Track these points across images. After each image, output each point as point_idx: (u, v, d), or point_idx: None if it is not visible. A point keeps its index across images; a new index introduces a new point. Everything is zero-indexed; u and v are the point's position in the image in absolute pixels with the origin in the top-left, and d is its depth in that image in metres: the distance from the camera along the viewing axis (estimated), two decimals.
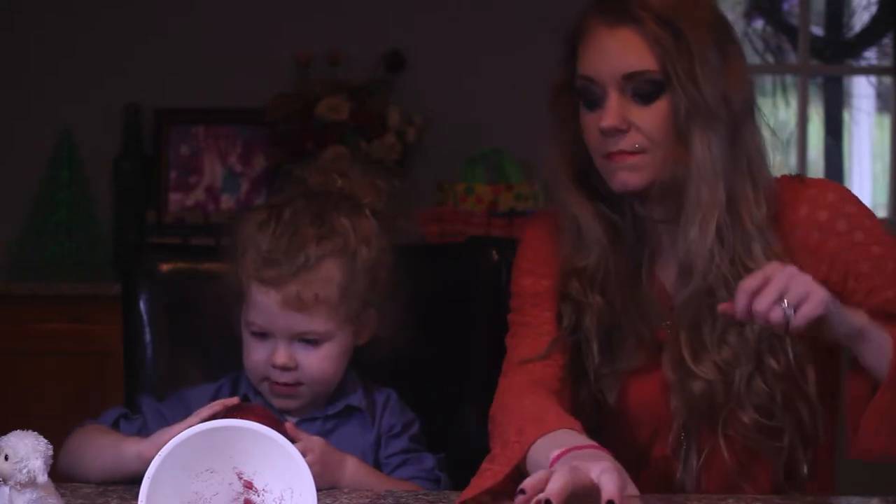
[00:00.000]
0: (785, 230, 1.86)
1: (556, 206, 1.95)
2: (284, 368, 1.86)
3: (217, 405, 1.77)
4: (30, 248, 4.31)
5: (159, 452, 1.48)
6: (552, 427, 1.73)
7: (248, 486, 1.53)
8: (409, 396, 2.01)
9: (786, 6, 5.15)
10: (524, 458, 1.71)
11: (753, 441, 1.83)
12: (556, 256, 1.94)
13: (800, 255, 1.84)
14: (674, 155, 1.82)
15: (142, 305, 2.13)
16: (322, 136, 4.14)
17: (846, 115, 5.29)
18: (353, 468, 1.83)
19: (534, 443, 1.71)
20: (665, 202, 1.87)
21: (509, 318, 1.98)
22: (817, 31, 5.15)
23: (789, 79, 5.10)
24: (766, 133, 1.89)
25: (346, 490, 1.79)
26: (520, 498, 1.56)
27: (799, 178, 1.92)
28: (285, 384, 1.88)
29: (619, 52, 1.82)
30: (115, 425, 1.89)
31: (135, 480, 1.75)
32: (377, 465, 1.90)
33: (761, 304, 1.66)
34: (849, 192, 1.91)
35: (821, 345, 1.84)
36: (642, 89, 1.81)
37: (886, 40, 4.96)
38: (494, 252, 2.20)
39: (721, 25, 1.86)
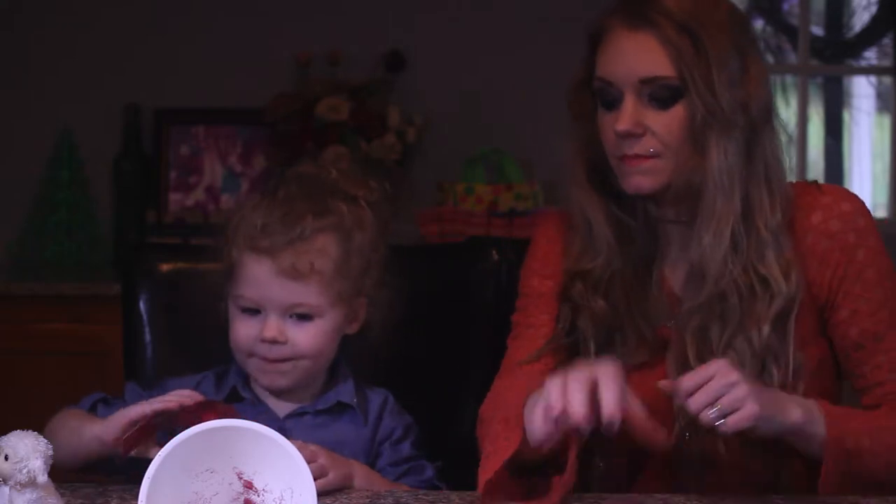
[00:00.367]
0: (797, 235, 1.87)
1: (568, 204, 1.95)
2: (273, 342, 1.85)
3: (172, 401, 1.75)
4: (30, 248, 4.31)
5: (159, 452, 1.48)
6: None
7: (248, 486, 1.53)
8: (409, 396, 2.00)
9: (786, 6, 5.15)
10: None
11: (752, 444, 1.83)
12: (564, 256, 1.94)
13: (808, 261, 1.85)
14: (689, 161, 1.82)
15: (142, 305, 2.13)
16: (322, 136, 4.14)
17: (846, 115, 5.29)
18: (361, 473, 1.84)
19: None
20: (679, 205, 1.87)
21: (513, 318, 1.98)
22: (817, 31, 5.15)
23: (789, 79, 5.10)
24: (782, 137, 1.89)
25: (345, 490, 1.79)
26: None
27: (816, 185, 1.92)
28: (274, 360, 1.86)
29: (637, 56, 1.81)
30: (94, 409, 1.89)
31: (105, 468, 1.81)
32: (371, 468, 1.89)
33: (694, 405, 1.67)
34: (863, 204, 1.91)
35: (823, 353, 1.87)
36: (659, 94, 1.81)
37: (886, 40, 4.96)
38: (494, 252, 2.20)
39: (741, 30, 1.85)
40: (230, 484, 1.53)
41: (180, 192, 4.32)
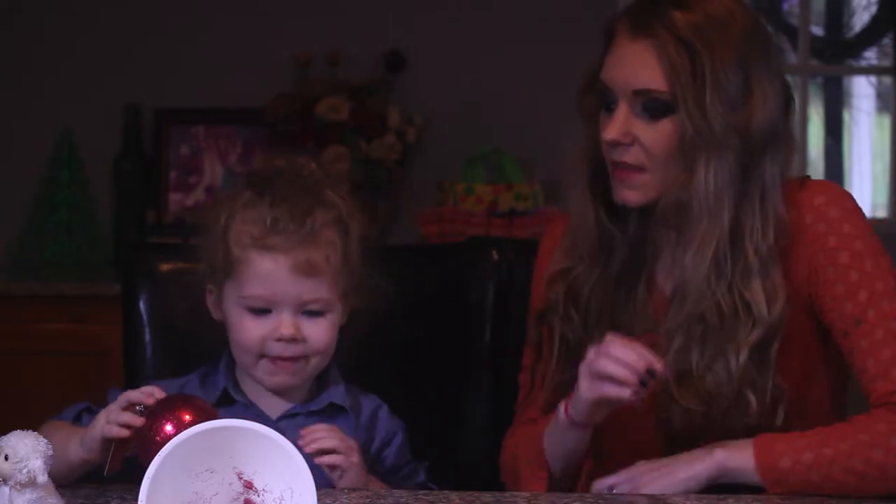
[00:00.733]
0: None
1: (568, 204, 1.95)
2: (291, 341, 1.83)
3: (134, 396, 1.73)
4: (30, 248, 4.31)
5: (159, 452, 1.48)
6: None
7: (248, 486, 1.53)
8: (409, 396, 2.01)
9: (786, 6, 5.15)
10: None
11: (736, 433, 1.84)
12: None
13: (786, 260, 1.83)
14: (678, 177, 1.81)
15: (142, 305, 2.13)
16: (322, 136, 4.15)
17: (846, 115, 5.29)
18: (373, 478, 1.84)
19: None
20: (671, 218, 1.85)
21: (525, 347, 2.00)
22: (817, 31, 5.15)
23: (789, 79, 5.10)
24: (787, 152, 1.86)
25: (345, 490, 1.79)
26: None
27: (800, 181, 1.89)
28: (289, 358, 1.85)
29: (634, 66, 1.81)
30: (78, 419, 1.87)
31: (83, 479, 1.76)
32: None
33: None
34: (841, 195, 1.88)
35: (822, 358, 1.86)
36: (650, 106, 1.80)
37: (886, 40, 4.96)
38: (494, 252, 2.20)
39: (754, 48, 1.82)
40: (230, 484, 1.53)
41: (180, 192, 4.32)
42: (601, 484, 1.80)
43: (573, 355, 1.89)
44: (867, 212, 5.35)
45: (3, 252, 4.32)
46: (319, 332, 1.85)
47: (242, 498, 1.53)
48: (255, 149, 4.29)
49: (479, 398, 2.17)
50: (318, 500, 1.50)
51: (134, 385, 2.08)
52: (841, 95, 5.28)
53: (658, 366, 1.73)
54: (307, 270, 1.82)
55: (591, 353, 1.77)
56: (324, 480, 1.82)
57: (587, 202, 1.90)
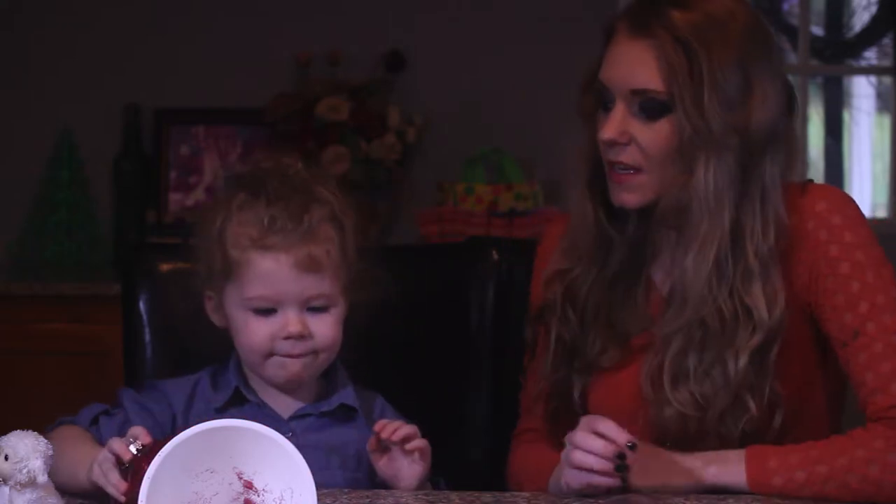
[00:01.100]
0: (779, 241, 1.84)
1: (568, 204, 1.95)
2: (299, 337, 1.83)
3: (116, 448, 1.66)
4: (30, 248, 4.31)
5: (159, 452, 1.48)
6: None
7: (248, 486, 1.53)
8: (408, 396, 2.00)
9: (786, 6, 5.15)
10: None
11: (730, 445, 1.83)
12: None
13: (786, 265, 1.82)
14: (677, 178, 1.79)
15: (142, 305, 2.13)
16: (322, 136, 4.15)
17: (846, 115, 5.29)
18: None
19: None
20: (671, 219, 1.83)
21: (526, 338, 2.00)
22: (817, 31, 5.15)
23: (789, 79, 5.10)
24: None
25: (345, 490, 1.79)
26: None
27: (802, 186, 1.87)
28: (298, 355, 1.84)
29: (631, 66, 1.80)
30: (95, 421, 1.87)
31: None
32: (372, 472, 1.89)
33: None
34: (843, 201, 1.86)
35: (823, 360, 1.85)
36: (647, 106, 1.79)
37: (886, 40, 4.96)
38: (494, 252, 2.20)
39: (755, 49, 1.81)
40: (230, 484, 1.53)
41: (180, 192, 4.32)
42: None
43: (569, 355, 1.89)
44: (867, 212, 5.35)
45: (3, 252, 4.32)
46: (325, 328, 1.85)
47: (242, 498, 1.53)
48: (255, 149, 4.28)
49: (479, 398, 2.17)
50: (318, 500, 1.50)
51: (134, 384, 2.09)
52: (841, 95, 5.28)
53: (626, 446, 1.71)
54: (309, 266, 1.82)
55: (568, 443, 1.75)
56: (364, 481, 1.85)
57: (586, 202, 1.89)
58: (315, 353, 1.85)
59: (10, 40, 4.33)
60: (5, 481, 1.49)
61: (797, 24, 4.89)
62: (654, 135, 1.79)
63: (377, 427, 1.82)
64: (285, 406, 1.90)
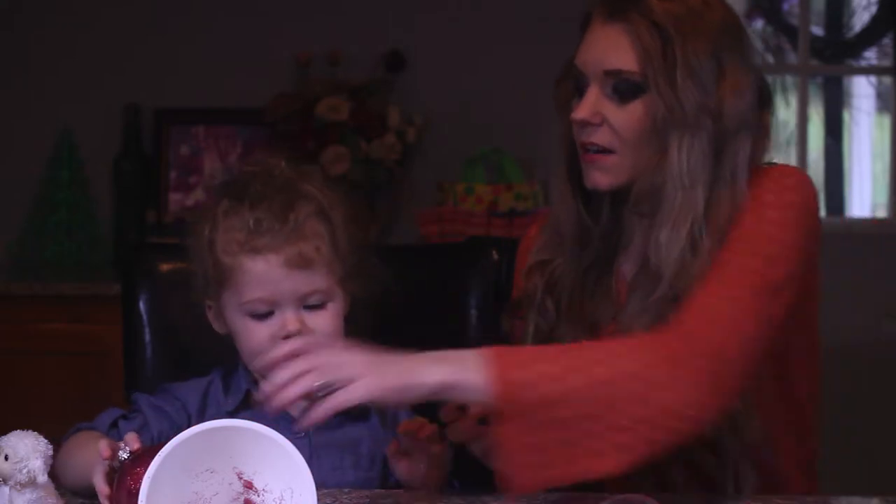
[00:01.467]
0: None
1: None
2: (299, 336, 1.81)
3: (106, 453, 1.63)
4: (30, 248, 4.31)
5: (159, 452, 1.48)
6: None
7: (248, 486, 1.53)
8: None
9: (786, 6, 5.15)
10: None
11: (689, 453, 1.80)
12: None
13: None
14: (650, 160, 1.80)
15: (142, 305, 2.13)
16: (322, 136, 4.15)
17: (846, 115, 5.29)
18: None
19: None
20: (644, 203, 1.84)
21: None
22: (817, 31, 5.15)
23: (789, 79, 5.10)
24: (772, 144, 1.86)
25: (346, 490, 1.79)
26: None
27: (763, 169, 1.86)
28: None
29: (606, 47, 1.82)
30: (115, 426, 1.87)
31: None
32: (387, 472, 1.88)
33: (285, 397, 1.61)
34: (785, 181, 1.83)
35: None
36: (621, 88, 1.81)
37: (886, 40, 4.96)
38: (494, 252, 2.20)
39: (730, 39, 1.82)
40: (230, 484, 1.53)
41: (180, 192, 4.32)
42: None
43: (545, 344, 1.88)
44: (867, 212, 5.34)
45: (3, 252, 4.32)
46: (324, 323, 1.85)
47: (242, 498, 1.53)
48: (255, 149, 4.29)
49: None
50: (318, 500, 1.50)
51: (135, 386, 2.09)
52: (841, 95, 5.28)
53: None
54: (300, 264, 1.83)
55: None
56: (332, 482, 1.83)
57: (565, 198, 1.90)
58: None
59: (10, 40, 4.33)
60: (5, 481, 1.49)
61: (797, 24, 4.89)
62: (626, 116, 1.81)
63: (400, 429, 1.81)
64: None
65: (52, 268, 4.25)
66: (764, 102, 1.86)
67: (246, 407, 1.88)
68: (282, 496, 1.52)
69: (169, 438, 1.62)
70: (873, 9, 5.09)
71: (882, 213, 5.18)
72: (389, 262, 1.94)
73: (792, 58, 5.04)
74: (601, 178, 1.84)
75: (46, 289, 3.90)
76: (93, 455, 1.69)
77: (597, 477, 1.66)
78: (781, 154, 5.07)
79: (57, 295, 3.86)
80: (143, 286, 2.13)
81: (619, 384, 1.65)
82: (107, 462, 1.61)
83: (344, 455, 1.88)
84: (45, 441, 1.50)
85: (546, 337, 1.90)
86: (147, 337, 2.12)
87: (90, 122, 4.32)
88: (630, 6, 1.81)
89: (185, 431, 1.49)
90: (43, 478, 1.49)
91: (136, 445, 1.63)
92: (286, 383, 1.62)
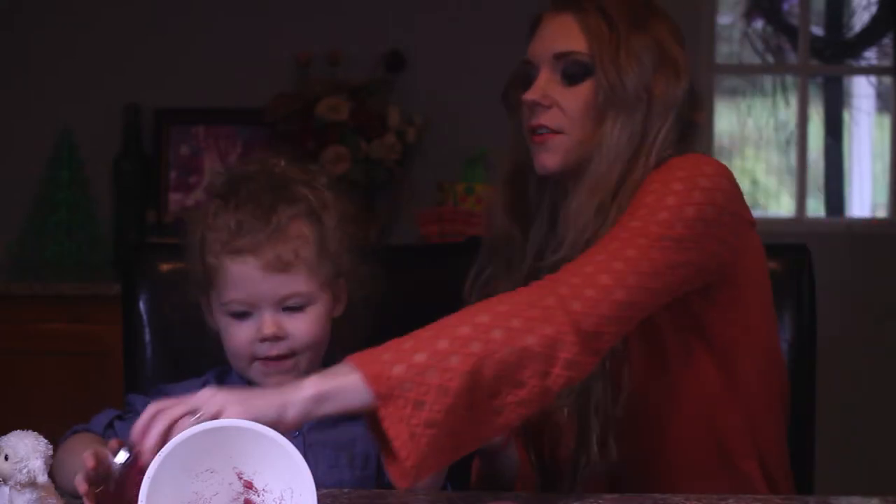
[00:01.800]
0: None
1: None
2: (275, 339, 1.84)
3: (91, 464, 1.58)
4: (30, 248, 4.31)
5: (159, 452, 1.48)
6: None
7: (248, 486, 1.53)
8: None
9: (786, 6, 5.15)
10: None
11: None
12: None
13: None
14: (590, 138, 1.87)
15: (142, 305, 2.13)
16: (322, 136, 4.15)
17: (846, 115, 5.28)
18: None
19: None
20: (568, 177, 1.89)
21: None
22: (817, 31, 5.14)
23: (789, 79, 5.10)
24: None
25: (345, 490, 1.79)
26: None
27: (688, 155, 1.89)
28: (277, 357, 1.85)
29: (556, 33, 1.90)
30: (110, 426, 1.87)
31: None
32: (381, 472, 1.88)
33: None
34: (703, 167, 1.84)
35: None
36: (571, 70, 1.88)
37: (886, 40, 4.95)
38: None
39: (671, 37, 1.91)
40: (230, 484, 1.53)
41: (180, 192, 4.32)
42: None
43: None
44: (866, 212, 5.34)
45: (3, 252, 4.32)
46: (302, 327, 1.86)
47: (242, 498, 1.53)
48: (255, 149, 4.29)
49: None
50: (318, 500, 1.50)
51: (135, 386, 2.09)
52: (841, 95, 5.28)
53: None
54: (278, 267, 1.83)
55: None
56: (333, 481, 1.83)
57: (503, 210, 1.96)
58: (294, 353, 1.86)
59: (10, 40, 4.33)
60: (5, 481, 1.49)
61: (797, 24, 4.89)
62: (574, 97, 1.88)
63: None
64: None
65: (52, 268, 4.25)
66: (695, 103, 1.93)
67: None
68: (282, 496, 1.52)
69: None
70: (873, 9, 5.09)
71: (882, 213, 5.18)
72: (389, 262, 1.94)
73: (792, 58, 5.04)
74: (549, 158, 1.89)
75: (46, 289, 3.90)
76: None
77: (499, 433, 1.66)
78: (782, 154, 5.07)
79: (57, 295, 3.86)
80: (143, 286, 2.13)
81: (483, 337, 1.62)
82: (91, 471, 1.57)
83: (339, 454, 1.88)
84: (45, 441, 1.50)
85: None
86: (147, 337, 2.13)
87: (90, 122, 4.32)
88: None
89: (185, 431, 1.49)
90: (43, 478, 1.49)
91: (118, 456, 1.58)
92: (148, 426, 1.56)
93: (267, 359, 1.85)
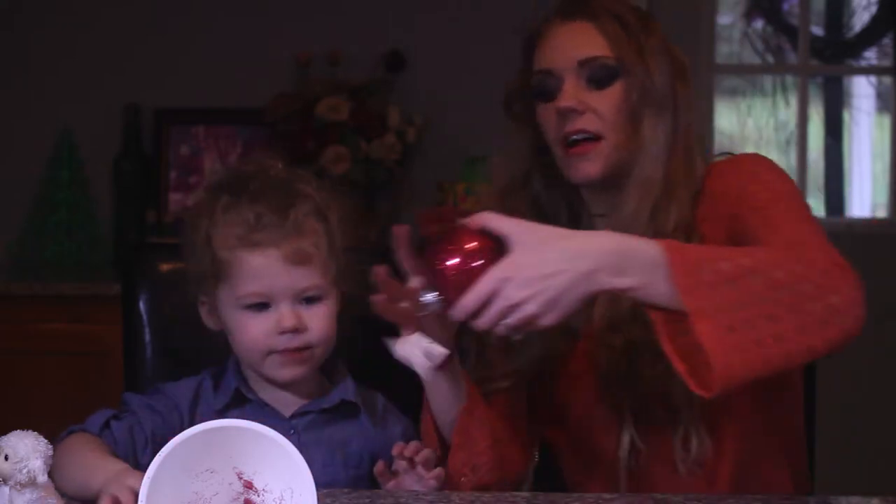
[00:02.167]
0: (698, 209, 1.89)
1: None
2: (294, 331, 1.84)
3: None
4: (30, 248, 4.31)
5: (159, 452, 1.48)
6: None
7: (248, 486, 1.53)
8: (407, 396, 2.00)
9: (786, 6, 5.15)
10: None
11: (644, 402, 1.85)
12: None
13: (706, 228, 1.86)
14: (628, 142, 1.87)
15: (142, 305, 2.13)
16: (322, 136, 4.14)
17: (846, 115, 5.28)
18: None
19: None
20: (607, 193, 1.90)
21: None
22: (817, 31, 5.14)
23: (789, 79, 5.10)
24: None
25: (346, 490, 1.79)
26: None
27: (725, 157, 1.96)
28: (295, 350, 1.86)
29: (575, 40, 1.89)
30: (106, 426, 1.87)
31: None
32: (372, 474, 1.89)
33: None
34: (757, 158, 1.92)
35: None
36: (597, 75, 1.88)
37: (886, 40, 4.95)
38: None
39: (666, 40, 1.93)
40: (230, 484, 1.53)
41: (180, 192, 4.32)
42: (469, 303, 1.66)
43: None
44: (866, 212, 5.35)
45: (3, 252, 4.32)
46: (319, 320, 1.86)
47: (242, 498, 1.53)
48: (255, 149, 4.28)
49: None
50: (318, 500, 1.50)
51: (135, 386, 2.09)
52: (841, 95, 5.28)
53: None
54: (299, 259, 1.84)
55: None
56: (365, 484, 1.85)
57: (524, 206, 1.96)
58: (311, 346, 1.86)
59: (10, 40, 4.33)
60: (5, 481, 1.49)
61: (797, 24, 4.89)
62: (608, 100, 1.88)
63: (395, 451, 1.82)
64: (286, 404, 1.90)
65: (52, 268, 4.25)
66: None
67: (235, 405, 1.88)
68: (282, 496, 1.52)
69: (164, 434, 1.63)
70: (873, 9, 5.09)
71: (882, 213, 5.18)
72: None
73: (792, 58, 5.04)
74: (590, 167, 1.88)
75: (46, 289, 3.89)
76: (94, 462, 1.70)
77: (806, 353, 1.67)
78: (782, 154, 5.07)
79: (57, 295, 3.86)
80: (143, 286, 2.13)
81: (795, 282, 1.64)
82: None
83: (334, 453, 1.88)
84: (45, 441, 1.50)
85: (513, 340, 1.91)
86: (147, 337, 2.13)
87: (90, 122, 4.32)
88: (584, 5, 1.90)
89: (185, 431, 1.49)
90: (43, 478, 1.49)
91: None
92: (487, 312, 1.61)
93: (285, 351, 1.86)
